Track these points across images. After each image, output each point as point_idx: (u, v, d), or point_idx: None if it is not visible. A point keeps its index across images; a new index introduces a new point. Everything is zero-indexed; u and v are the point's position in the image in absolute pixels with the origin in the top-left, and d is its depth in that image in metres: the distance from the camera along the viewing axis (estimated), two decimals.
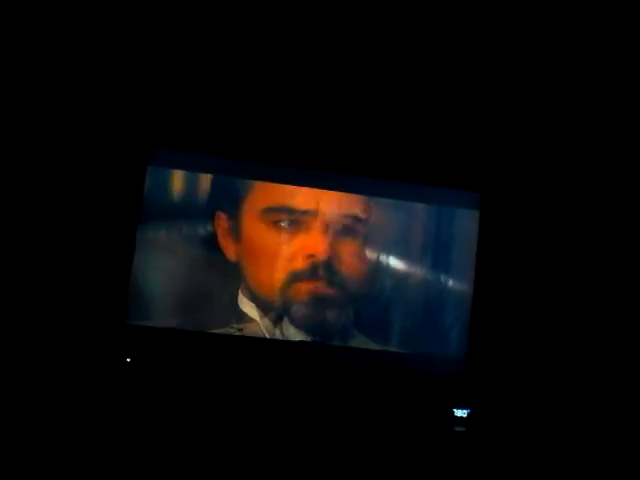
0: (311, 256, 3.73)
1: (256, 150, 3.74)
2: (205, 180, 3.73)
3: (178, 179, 3.69)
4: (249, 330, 3.69)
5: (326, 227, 3.74)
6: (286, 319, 3.73)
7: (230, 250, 3.70)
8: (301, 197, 3.78)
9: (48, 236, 3.49)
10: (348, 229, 3.77)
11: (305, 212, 3.77)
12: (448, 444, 3.49)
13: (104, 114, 3.59)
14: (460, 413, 3.65)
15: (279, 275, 3.73)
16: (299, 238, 3.75)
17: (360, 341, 3.78)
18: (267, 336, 3.70)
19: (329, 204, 3.78)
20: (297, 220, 3.75)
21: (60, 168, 3.52)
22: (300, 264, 3.73)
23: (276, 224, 3.74)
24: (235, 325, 3.68)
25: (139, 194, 3.62)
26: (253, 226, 3.73)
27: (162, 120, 3.68)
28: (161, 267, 3.64)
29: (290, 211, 3.75)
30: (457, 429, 3.59)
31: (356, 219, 3.79)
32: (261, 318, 3.71)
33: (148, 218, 3.65)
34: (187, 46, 3.60)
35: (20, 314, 3.41)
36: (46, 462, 2.93)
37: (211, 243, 3.69)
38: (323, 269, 3.73)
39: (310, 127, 3.80)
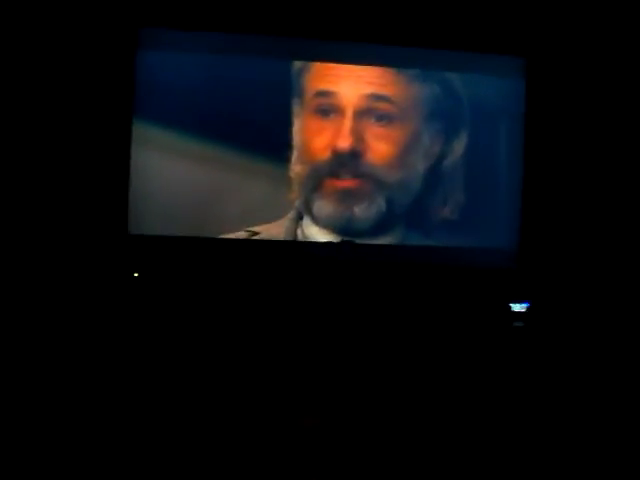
0: (332, 145, 3.23)
1: (257, 21, 3.19)
2: (205, 62, 3.20)
3: (174, 63, 3.18)
4: (266, 233, 3.24)
5: (347, 110, 3.22)
6: (307, 219, 3.26)
7: None
8: (314, 77, 3.26)
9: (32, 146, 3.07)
10: (373, 110, 3.24)
11: (320, 94, 3.26)
12: (507, 341, 3.02)
13: None
14: (517, 308, 3.15)
15: (298, 169, 3.26)
16: (316, 124, 3.26)
17: (396, 236, 3.29)
18: (287, 238, 3.25)
19: (348, 83, 3.24)
20: (312, 105, 3.25)
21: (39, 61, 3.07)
22: (320, 156, 3.25)
23: None
24: (249, 229, 3.24)
25: (131, 84, 3.13)
26: None
27: None
28: (163, 167, 3.18)
29: (300, 94, 3.26)
30: (516, 324, 3.10)
31: (381, 97, 3.26)
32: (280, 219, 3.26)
33: (144, 111, 3.16)
34: None
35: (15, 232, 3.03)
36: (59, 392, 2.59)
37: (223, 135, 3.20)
38: (347, 159, 3.23)
39: None
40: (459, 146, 3.32)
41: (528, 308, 3.16)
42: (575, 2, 3.32)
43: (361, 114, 3.22)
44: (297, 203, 3.26)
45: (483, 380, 2.80)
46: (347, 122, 3.21)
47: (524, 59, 3.40)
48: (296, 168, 3.25)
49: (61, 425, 2.04)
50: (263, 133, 3.21)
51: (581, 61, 3.38)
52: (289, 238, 3.25)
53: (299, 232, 3.26)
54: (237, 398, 2.31)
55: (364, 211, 3.25)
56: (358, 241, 3.24)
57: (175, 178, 3.19)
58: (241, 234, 3.23)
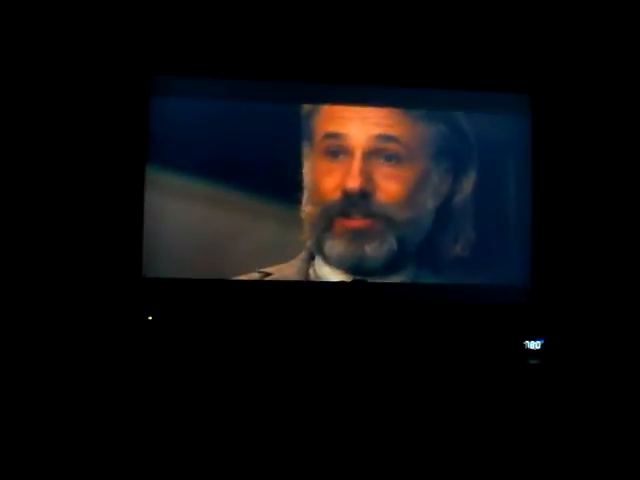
0: (342, 186, 3.27)
1: (266, 67, 3.28)
2: (217, 107, 3.29)
3: (186, 109, 3.27)
4: (278, 274, 3.27)
5: (356, 151, 3.27)
6: (319, 259, 3.29)
7: None
8: (323, 119, 3.33)
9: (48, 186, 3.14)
10: (381, 150, 3.30)
11: (329, 136, 3.32)
12: (522, 378, 2.99)
13: (96, 42, 3.16)
14: (532, 345, 3.13)
15: (309, 210, 3.30)
16: (326, 166, 3.31)
17: (408, 274, 3.31)
18: (299, 278, 3.27)
19: (356, 124, 3.31)
20: (321, 146, 3.32)
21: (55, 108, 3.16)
22: (331, 197, 3.29)
23: None
24: (262, 270, 3.26)
25: (144, 130, 3.21)
26: None
27: (162, 44, 3.22)
28: (176, 211, 3.23)
29: (309, 137, 3.32)
30: (531, 362, 3.08)
31: (389, 138, 3.32)
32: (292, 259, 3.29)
33: (157, 156, 3.23)
34: None
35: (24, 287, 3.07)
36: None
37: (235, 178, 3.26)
38: (357, 199, 3.27)
39: (324, 32, 3.26)
40: (468, 184, 3.36)
41: (543, 345, 3.14)
42: (576, 38, 3.39)
43: (370, 155, 3.27)
44: (309, 243, 3.29)
45: (499, 419, 2.76)
46: (356, 163, 3.26)
47: (528, 95, 3.45)
48: (307, 209, 3.29)
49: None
50: (274, 175, 3.26)
51: (585, 95, 3.42)
52: (301, 278, 3.28)
53: (311, 272, 3.29)
54: (249, 444, 2.30)
55: (375, 250, 3.27)
56: (370, 280, 3.26)
57: (188, 222, 3.24)
58: (254, 275, 3.26)
